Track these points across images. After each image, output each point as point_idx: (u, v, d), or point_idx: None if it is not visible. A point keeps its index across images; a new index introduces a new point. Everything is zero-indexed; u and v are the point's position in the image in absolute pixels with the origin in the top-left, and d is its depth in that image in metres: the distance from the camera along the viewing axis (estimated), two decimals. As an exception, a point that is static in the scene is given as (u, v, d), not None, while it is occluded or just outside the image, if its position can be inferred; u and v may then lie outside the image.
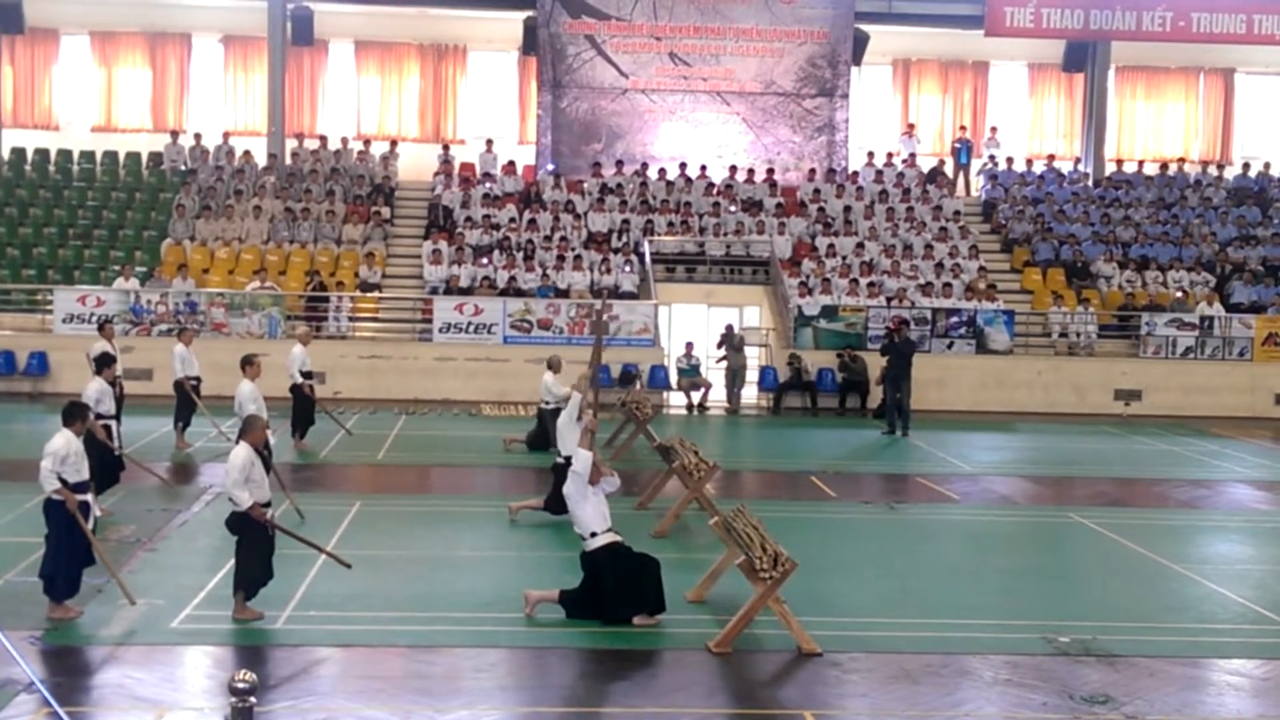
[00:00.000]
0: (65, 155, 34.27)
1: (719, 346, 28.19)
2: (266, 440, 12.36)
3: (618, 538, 11.98)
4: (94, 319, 26.47)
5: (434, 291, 29.02)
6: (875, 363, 26.52)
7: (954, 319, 28.85)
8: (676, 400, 28.22)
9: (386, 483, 19.17)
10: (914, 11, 36.06)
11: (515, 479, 19.08)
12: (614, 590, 11.76)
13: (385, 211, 32.28)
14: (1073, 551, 15.88)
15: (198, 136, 34.44)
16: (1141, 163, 37.28)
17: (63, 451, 11.53)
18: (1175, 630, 12.34)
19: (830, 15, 35.10)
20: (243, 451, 11.66)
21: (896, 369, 24.64)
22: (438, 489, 19.22)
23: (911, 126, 37.09)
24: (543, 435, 20.33)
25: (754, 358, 29.16)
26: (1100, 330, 30.04)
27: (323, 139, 34.99)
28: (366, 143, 34.95)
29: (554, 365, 20.19)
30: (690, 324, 30.46)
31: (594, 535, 11.89)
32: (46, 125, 36.30)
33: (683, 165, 34.11)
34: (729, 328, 28.60)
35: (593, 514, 11.91)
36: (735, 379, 27.86)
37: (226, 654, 10.96)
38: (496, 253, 30.21)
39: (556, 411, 19.85)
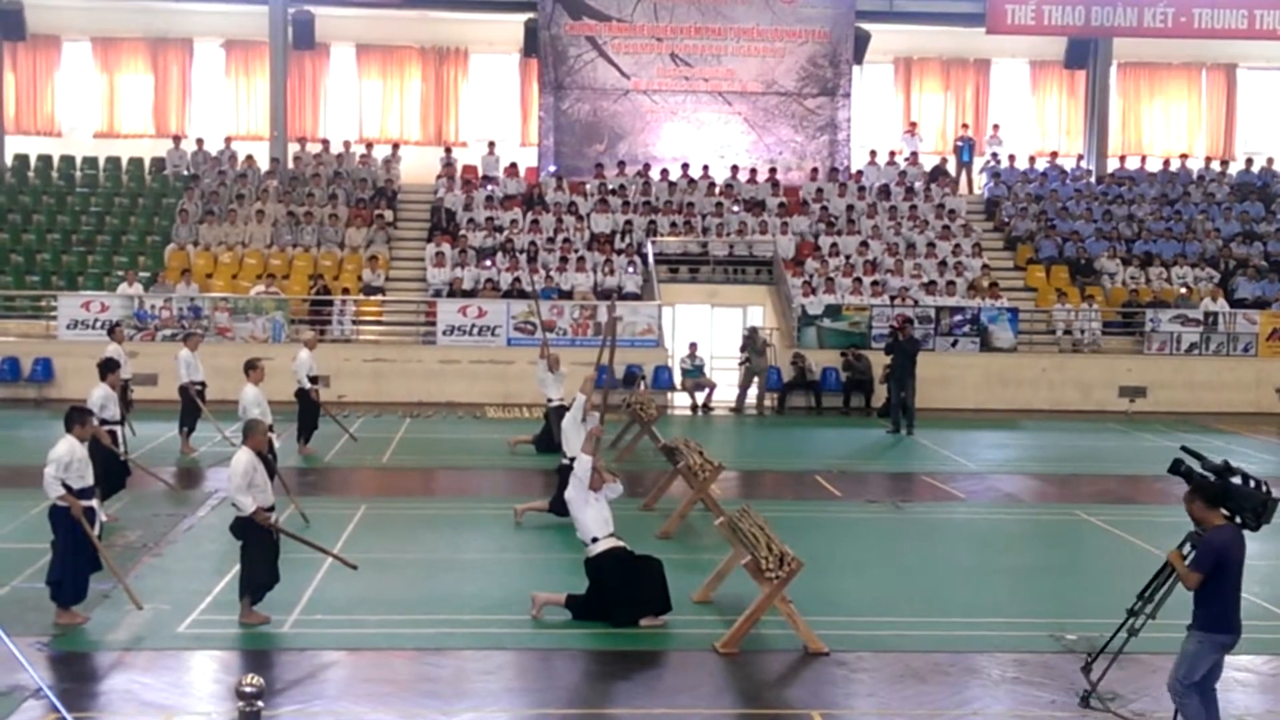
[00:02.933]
0: (68, 161, 34.29)
1: (742, 350, 27.89)
2: (270, 444, 12.36)
3: (619, 543, 11.98)
4: (98, 325, 26.55)
5: (437, 294, 29.03)
6: (879, 361, 26.51)
7: (958, 317, 28.82)
8: (681, 401, 28.20)
9: (392, 486, 19.17)
10: (915, 10, 36.07)
11: (520, 481, 19.08)
12: (618, 595, 11.76)
13: (387, 214, 32.28)
14: (1079, 549, 15.87)
15: (200, 141, 34.49)
16: (1144, 159, 37.26)
17: (66, 458, 11.54)
18: (1182, 627, 12.27)
19: (831, 14, 35.09)
20: (244, 456, 11.66)
21: (901, 368, 24.63)
22: (443, 492, 19.21)
23: (914, 125, 37.08)
24: (548, 435, 20.33)
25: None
26: (1104, 327, 30.00)
27: (325, 143, 35.02)
28: (369, 146, 34.98)
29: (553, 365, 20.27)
30: (694, 324, 30.41)
31: (595, 541, 11.89)
32: (49, 131, 36.34)
33: (685, 166, 34.11)
34: (753, 330, 28.37)
35: (594, 520, 11.91)
36: (751, 380, 27.65)
37: (233, 658, 10.98)
38: (500, 255, 30.21)
39: (561, 410, 20.00)
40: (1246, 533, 8.90)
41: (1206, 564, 8.68)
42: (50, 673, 10.35)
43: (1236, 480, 8.96)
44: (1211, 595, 8.69)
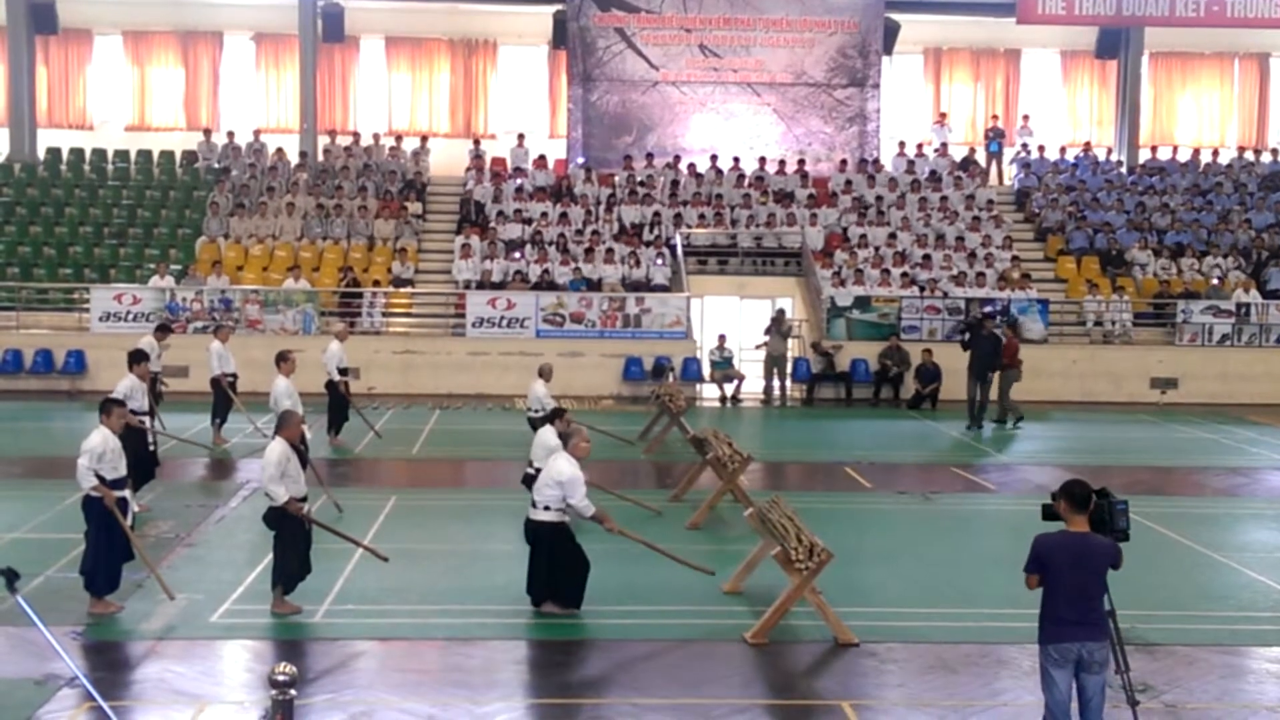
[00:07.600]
0: (100, 154, 34.49)
1: (766, 333, 27.81)
2: (303, 435, 12.42)
3: (566, 518, 11.97)
4: (131, 317, 26.81)
5: (466, 286, 29.09)
6: (916, 355, 27.03)
7: (988, 308, 28.68)
8: (710, 392, 28.18)
9: (422, 477, 19.24)
10: (945, 0, 35.90)
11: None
12: (544, 567, 11.85)
13: (416, 207, 32.33)
14: (1110, 540, 15.76)
15: (230, 134, 34.62)
16: (1176, 149, 37.00)
17: (100, 449, 11.63)
18: (1214, 619, 12.27)
19: (860, 5, 34.99)
20: (278, 447, 11.72)
21: (981, 361, 24.32)
22: (473, 483, 19.27)
23: (943, 115, 36.92)
24: None
25: (789, 349, 29.03)
26: (1136, 318, 29.83)
27: (355, 135, 35.11)
28: (398, 138, 35.05)
29: (544, 374, 19.24)
30: (723, 316, 30.37)
31: (547, 509, 11.87)
32: (81, 125, 36.62)
33: (714, 157, 34.06)
34: (780, 311, 28.33)
35: (557, 495, 11.86)
36: (775, 367, 27.60)
37: (266, 648, 11.05)
38: (528, 247, 30.25)
39: (544, 419, 19.82)
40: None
41: (1032, 565, 8.40)
42: (84, 661, 10.44)
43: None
44: (1043, 600, 8.25)
